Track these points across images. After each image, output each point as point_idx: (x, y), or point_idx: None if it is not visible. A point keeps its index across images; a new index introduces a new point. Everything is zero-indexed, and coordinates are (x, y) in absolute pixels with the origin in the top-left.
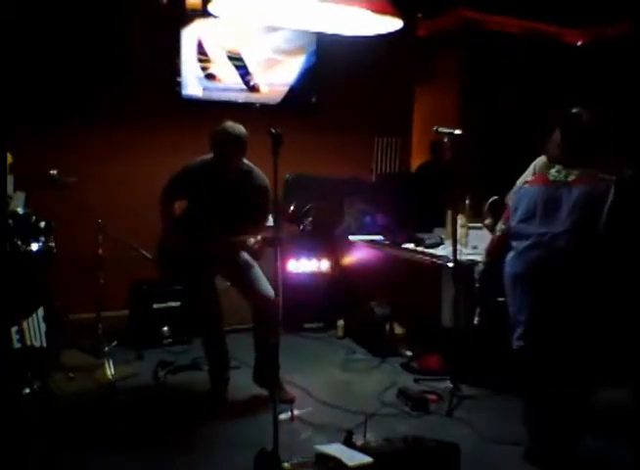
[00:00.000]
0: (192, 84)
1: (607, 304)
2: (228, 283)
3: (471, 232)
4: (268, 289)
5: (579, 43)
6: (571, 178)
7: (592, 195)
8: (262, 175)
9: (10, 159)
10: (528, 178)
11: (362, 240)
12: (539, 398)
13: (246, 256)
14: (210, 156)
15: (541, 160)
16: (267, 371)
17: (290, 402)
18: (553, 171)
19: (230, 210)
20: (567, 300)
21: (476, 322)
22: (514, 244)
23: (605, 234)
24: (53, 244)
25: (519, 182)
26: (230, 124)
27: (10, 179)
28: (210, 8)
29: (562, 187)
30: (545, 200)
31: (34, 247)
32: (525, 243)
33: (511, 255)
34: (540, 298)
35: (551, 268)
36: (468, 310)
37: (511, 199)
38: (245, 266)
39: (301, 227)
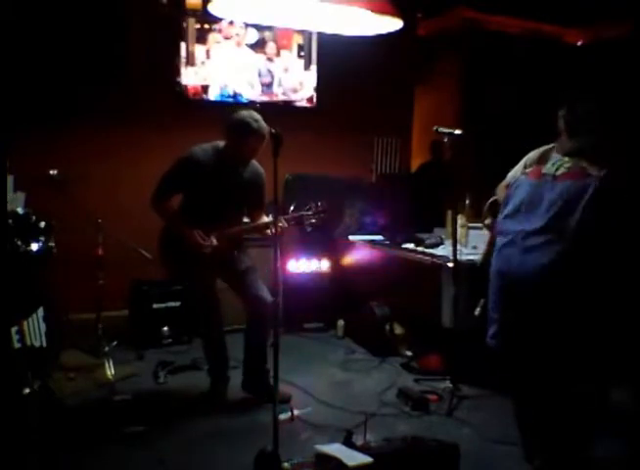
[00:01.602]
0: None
1: (582, 306)
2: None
3: (471, 232)
4: (265, 294)
5: (579, 43)
6: (559, 172)
7: (571, 191)
8: (255, 161)
9: None
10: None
11: (362, 240)
12: (521, 397)
13: (247, 259)
14: (216, 144)
15: (534, 154)
16: (258, 376)
17: (286, 402)
18: (548, 165)
19: (235, 201)
20: (536, 302)
21: (476, 313)
22: (497, 240)
23: (577, 234)
24: (53, 244)
25: (509, 176)
26: (257, 115)
27: (10, 179)
28: (210, 8)
29: (548, 182)
30: (531, 195)
31: (34, 247)
32: (504, 240)
33: (495, 251)
34: (509, 298)
35: (519, 268)
36: (468, 310)
37: (500, 193)
38: (244, 270)
39: (302, 226)
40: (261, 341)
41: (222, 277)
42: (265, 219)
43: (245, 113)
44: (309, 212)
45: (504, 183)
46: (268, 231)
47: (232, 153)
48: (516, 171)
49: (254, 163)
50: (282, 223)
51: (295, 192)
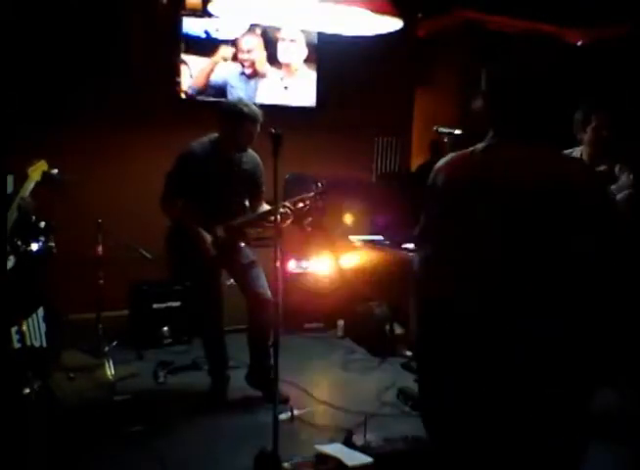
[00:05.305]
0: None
1: None
2: (232, 280)
3: None
4: (266, 290)
5: (579, 43)
6: None
7: None
8: (252, 151)
9: (44, 166)
10: None
11: (362, 240)
12: None
13: (250, 253)
14: (211, 136)
15: None
16: (260, 372)
17: (285, 403)
18: None
19: (238, 191)
20: None
21: None
22: None
23: None
24: (53, 244)
25: None
26: (246, 100)
27: (10, 179)
28: (210, 8)
29: None
30: None
31: (34, 247)
32: None
33: None
34: None
35: None
36: None
37: None
38: (248, 264)
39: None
40: (263, 337)
41: (227, 269)
42: (266, 207)
43: (233, 100)
44: (310, 194)
45: None
46: (272, 219)
47: (228, 141)
48: None
49: (252, 152)
50: (285, 210)
51: (295, 192)
